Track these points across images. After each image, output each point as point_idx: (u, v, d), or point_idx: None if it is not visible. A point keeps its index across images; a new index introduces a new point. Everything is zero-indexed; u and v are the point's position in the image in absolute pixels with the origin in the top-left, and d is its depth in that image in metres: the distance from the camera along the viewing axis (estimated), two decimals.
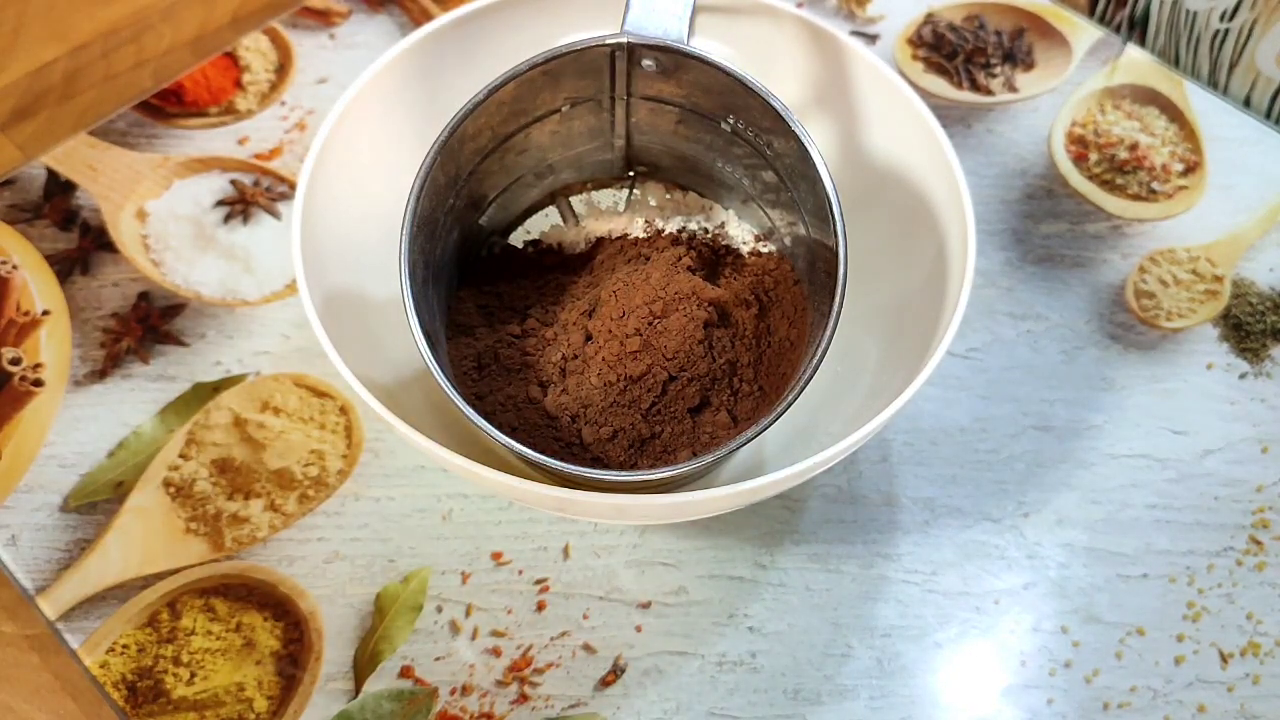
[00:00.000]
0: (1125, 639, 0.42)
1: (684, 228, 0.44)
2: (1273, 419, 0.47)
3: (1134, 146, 0.54)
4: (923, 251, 0.42)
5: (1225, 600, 0.43)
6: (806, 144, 0.36)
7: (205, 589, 0.42)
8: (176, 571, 0.42)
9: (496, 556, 0.43)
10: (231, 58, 0.57)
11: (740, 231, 0.44)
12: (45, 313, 0.49)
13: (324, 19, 0.59)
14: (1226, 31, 0.56)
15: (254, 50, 0.57)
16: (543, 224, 0.46)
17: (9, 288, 0.49)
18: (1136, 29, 0.59)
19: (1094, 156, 0.54)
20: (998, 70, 0.57)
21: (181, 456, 0.45)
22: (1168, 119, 0.56)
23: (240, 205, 0.52)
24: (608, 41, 0.37)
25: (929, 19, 0.59)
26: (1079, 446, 0.46)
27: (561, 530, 0.44)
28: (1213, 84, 0.58)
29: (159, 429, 0.46)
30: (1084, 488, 0.45)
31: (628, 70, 0.38)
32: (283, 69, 0.57)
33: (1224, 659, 0.42)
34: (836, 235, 0.35)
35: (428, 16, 0.58)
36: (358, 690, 0.40)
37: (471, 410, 0.34)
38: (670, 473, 0.35)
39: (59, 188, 0.52)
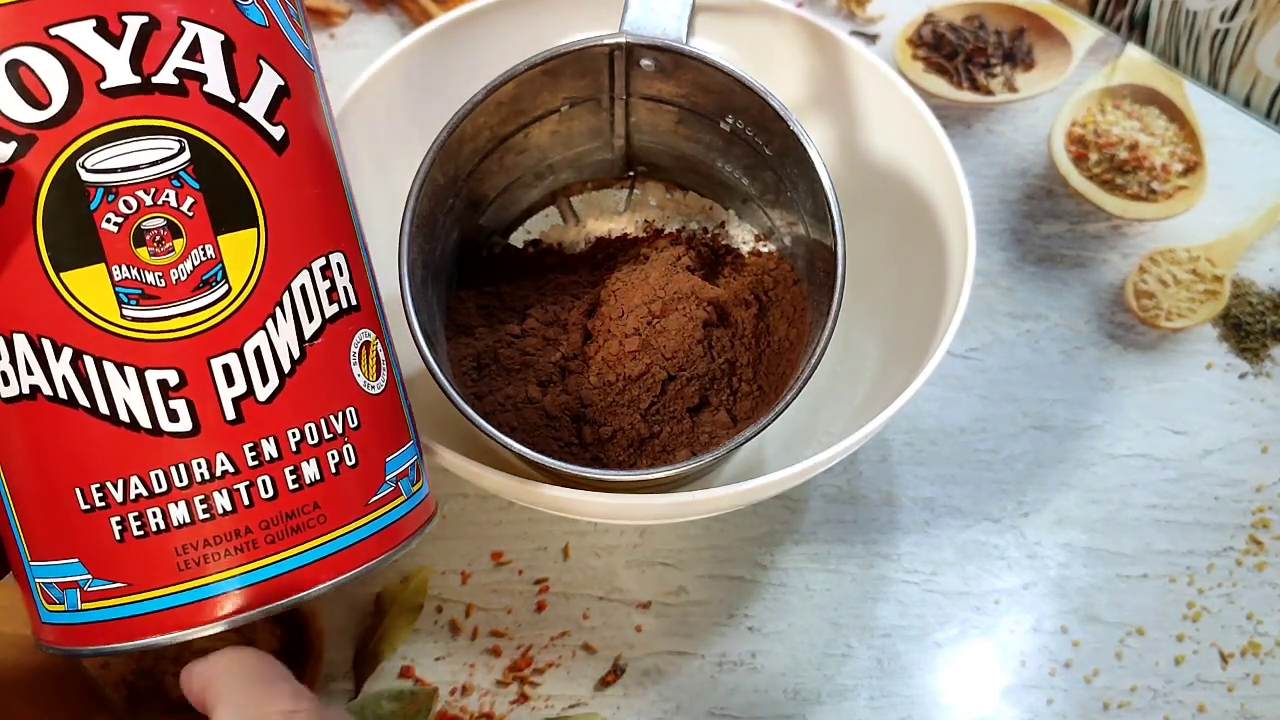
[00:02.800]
0: (1125, 639, 0.42)
1: (684, 228, 0.44)
2: (1273, 419, 0.47)
3: (1134, 146, 0.54)
4: (923, 251, 0.42)
5: (1225, 600, 0.43)
6: (806, 144, 0.36)
7: None
8: None
9: (496, 556, 0.43)
10: None
11: (740, 231, 0.44)
12: None
13: (324, 19, 0.59)
14: (1226, 31, 0.56)
15: None
16: (543, 224, 0.46)
17: None
18: (1136, 29, 0.59)
19: (1094, 156, 0.54)
20: (998, 70, 0.57)
21: None
22: (1168, 119, 0.56)
23: None
24: (606, 41, 0.37)
25: (929, 19, 0.59)
26: (1079, 446, 0.46)
27: (561, 530, 0.44)
28: (1213, 84, 0.58)
29: None
30: (1084, 488, 0.45)
31: (627, 70, 0.38)
32: None
33: (1224, 659, 0.42)
34: (835, 235, 0.35)
35: (428, 16, 0.58)
36: (358, 690, 0.40)
37: (471, 410, 0.34)
38: (670, 472, 0.35)
39: None
